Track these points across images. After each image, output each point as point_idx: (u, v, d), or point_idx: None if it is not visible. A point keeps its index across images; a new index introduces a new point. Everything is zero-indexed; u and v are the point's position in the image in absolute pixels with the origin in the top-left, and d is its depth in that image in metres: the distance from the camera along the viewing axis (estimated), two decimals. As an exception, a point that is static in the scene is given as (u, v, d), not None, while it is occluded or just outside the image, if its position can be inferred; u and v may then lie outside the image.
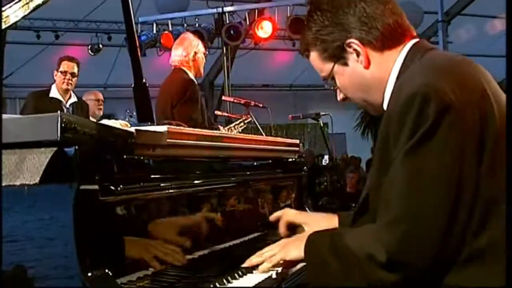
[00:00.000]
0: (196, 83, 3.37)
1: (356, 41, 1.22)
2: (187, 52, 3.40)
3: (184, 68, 3.40)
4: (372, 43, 1.22)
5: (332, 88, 1.33)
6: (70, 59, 3.94)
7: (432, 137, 1.05)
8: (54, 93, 3.88)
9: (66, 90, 3.88)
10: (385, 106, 1.24)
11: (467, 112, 1.07)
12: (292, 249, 1.33)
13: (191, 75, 3.38)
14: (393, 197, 1.09)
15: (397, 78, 1.21)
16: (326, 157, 4.49)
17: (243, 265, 1.42)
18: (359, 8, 1.22)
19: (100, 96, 4.66)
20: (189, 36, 3.64)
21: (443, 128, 1.05)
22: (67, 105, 3.86)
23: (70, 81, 3.87)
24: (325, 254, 1.21)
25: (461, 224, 1.06)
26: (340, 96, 1.34)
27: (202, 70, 3.48)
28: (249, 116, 2.89)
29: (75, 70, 3.91)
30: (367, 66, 1.23)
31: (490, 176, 1.08)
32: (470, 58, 1.25)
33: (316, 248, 1.27)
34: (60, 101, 3.84)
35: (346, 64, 1.25)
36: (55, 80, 3.91)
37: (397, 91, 1.15)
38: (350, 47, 1.23)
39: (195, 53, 3.41)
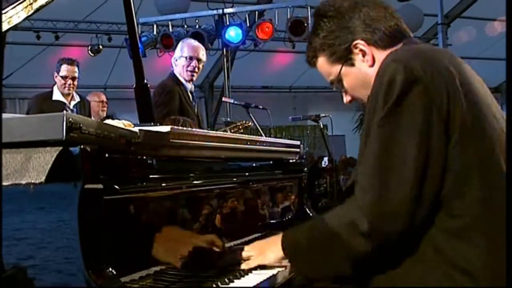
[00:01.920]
0: (171, 88, 3.26)
1: (362, 42, 1.29)
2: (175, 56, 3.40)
3: (175, 72, 3.38)
4: (376, 42, 1.29)
5: (340, 91, 1.38)
6: (70, 62, 3.89)
7: (399, 106, 1.12)
8: (57, 95, 3.87)
9: (68, 94, 3.88)
10: None
11: (435, 87, 1.13)
12: (268, 254, 1.38)
13: (181, 79, 3.33)
14: (367, 167, 1.15)
15: None
16: (326, 158, 4.50)
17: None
18: (363, 12, 1.29)
19: (104, 98, 4.66)
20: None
21: (411, 98, 1.11)
22: (71, 107, 3.87)
23: (71, 86, 3.86)
24: (303, 240, 1.26)
25: (429, 192, 1.11)
26: (347, 99, 1.39)
27: (185, 74, 3.34)
28: (248, 123, 2.87)
29: (76, 73, 3.89)
30: (371, 65, 1.29)
31: (456, 156, 1.12)
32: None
33: (294, 240, 1.30)
34: (64, 103, 3.84)
35: (352, 64, 1.31)
36: (56, 82, 3.90)
37: (377, 74, 1.22)
38: (356, 48, 1.29)
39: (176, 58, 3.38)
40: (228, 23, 6.09)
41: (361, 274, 1.20)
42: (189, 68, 3.29)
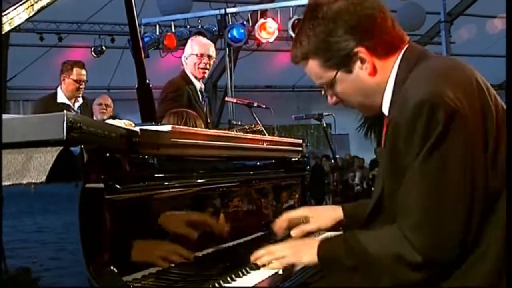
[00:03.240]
0: (180, 85, 3.27)
1: (363, 49, 1.23)
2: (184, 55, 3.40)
3: (185, 70, 3.38)
4: (377, 50, 1.24)
5: (323, 93, 1.35)
6: (82, 65, 3.90)
7: (444, 142, 1.11)
8: (61, 97, 3.86)
9: (75, 96, 3.90)
10: (384, 109, 1.29)
11: (471, 115, 1.13)
12: (304, 255, 1.35)
13: (191, 77, 3.34)
14: (413, 203, 1.15)
15: (395, 80, 1.26)
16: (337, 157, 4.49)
17: (252, 259, 1.42)
18: (362, 17, 1.23)
19: (106, 101, 4.65)
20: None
21: (453, 133, 1.11)
22: (75, 109, 3.88)
23: (82, 89, 3.89)
24: (342, 259, 1.25)
25: (476, 223, 1.13)
26: (332, 100, 1.35)
27: (196, 72, 3.35)
28: (258, 126, 2.84)
29: (85, 76, 3.91)
30: (372, 74, 1.25)
31: (492, 168, 1.14)
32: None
33: (331, 254, 1.29)
34: (69, 105, 3.85)
35: (350, 71, 1.26)
36: (61, 83, 3.90)
37: (402, 98, 1.19)
38: (356, 55, 1.24)
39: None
40: (230, 23, 6.09)
41: None
42: (200, 65, 3.30)
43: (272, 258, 1.39)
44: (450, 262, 1.14)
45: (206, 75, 3.41)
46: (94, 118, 4.26)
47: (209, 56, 3.34)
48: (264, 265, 1.42)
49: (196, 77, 3.35)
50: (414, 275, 1.15)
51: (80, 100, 3.97)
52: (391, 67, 1.26)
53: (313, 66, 1.29)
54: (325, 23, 1.24)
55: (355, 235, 1.28)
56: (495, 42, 9.32)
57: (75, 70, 3.83)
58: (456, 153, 1.11)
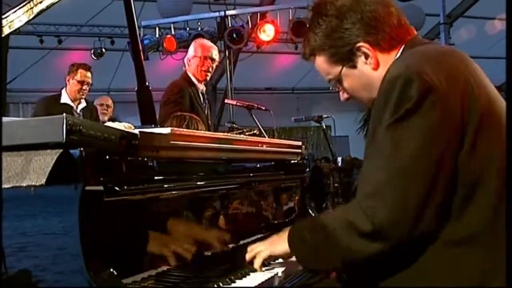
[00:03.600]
0: (182, 87, 3.27)
1: (366, 45, 1.26)
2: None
3: (187, 72, 3.39)
4: (380, 45, 1.26)
5: (337, 90, 1.37)
6: (87, 67, 3.94)
7: (413, 115, 1.10)
8: (65, 98, 3.89)
9: (79, 98, 3.91)
10: None
11: (449, 96, 1.12)
12: (278, 245, 1.39)
13: (193, 79, 3.35)
14: (373, 170, 1.15)
15: None
16: (339, 158, 4.48)
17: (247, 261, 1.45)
18: (366, 12, 1.25)
19: (106, 101, 4.67)
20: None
21: (425, 108, 1.10)
22: (78, 111, 3.90)
23: (85, 91, 3.92)
24: (304, 234, 1.28)
25: (436, 203, 1.10)
26: (343, 96, 1.38)
27: (199, 74, 3.37)
28: (255, 130, 2.84)
29: (90, 79, 3.94)
30: (375, 68, 1.27)
31: (470, 160, 1.12)
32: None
33: (297, 234, 1.32)
34: (71, 106, 3.87)
35: (354, 66, 1.29)
36: (66, 85, 3.91)
37: (383, 77, 1.20)
38: (359, 50, 1.26)
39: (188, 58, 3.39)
40: (230, 25, 6.10)
41: (353, 271, 1.23)
42: (203, 68, 3.32)
43: (252, 255, 1.43)
44: (402, 237, 1.11)
45: (208, 78, 3.42)
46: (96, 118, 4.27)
47: (212, 59, 3.36)
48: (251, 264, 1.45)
49: (198, 79, 3.36)
50: (366, 244, 1.13)
51: (84, 102, 3.99)
52: (393, 59, 1.27)
53: (320, 62, 1.33)
54: (329, 19, 1.27)
55: (319, 216, 1.30)
56: (495, 43, 9.34)
57: (80, 71, 3.88)
58: (423, 129, 1.09)
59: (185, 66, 3.44)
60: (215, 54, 3.40)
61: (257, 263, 1.43)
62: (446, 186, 1.10)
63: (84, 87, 3.87)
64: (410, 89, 1.10)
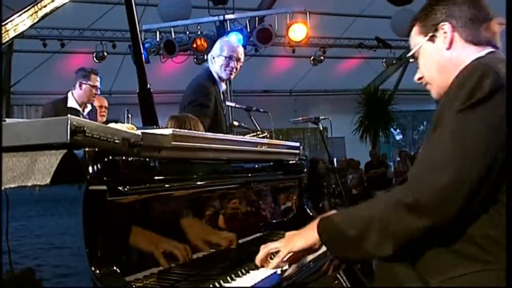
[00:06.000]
0: (209, 89, 3.20)
1: (449, 25, 1.36)
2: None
3: (211, 69, 3.31)
4: (460, 32, 1.36)
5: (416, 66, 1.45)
6: (97, 73, 3.98)
7: (484, 104, 1.17)
8: (72, 102, 3.90)
9: (87, 102, 3.95)
10: None
11: (505, 101, 1.18)
12: (296, 240, 1.38)
13: (216, 77, 3.27)
14: (437, 148, 1.19)
15: None
16: (335, 159, 4.49)
17: (256, 262, 1.44)
18: (467, 5, 1.37)
19: (104, 103, 4.68)
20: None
21: (495, 100, 1.17)
22: (85, 114, 3.93)
23: (96, 95, 3.96)
24: (345, 233, 1.26)
25: (487, 191, 1.15)
26: (416, 76, 1.45)
27: (223, 73, 3.27)
28: (265, 132, 2.84)
29: (99, 83, 4.00)
30: (448, 47, 1.36)
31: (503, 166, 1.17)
32: None
33: (333, 233, 1.31)
34: (78, 110, 3.89)
35: (433, 41, 1.39)
36: (74, 89, 3.91)
37: (459, 73, 1.27)
38: (442, 28, 1.37)
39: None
40: (229, 29, 6.13)
41: (401, 255, 1.22)
42: (228, 68, 3.24)
43: (266, 252, 1.42)
44: (449, 215, 1.14)
45: (232, 77, 3.33)
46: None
47: (238, 60, 3.29)
48: (263, 266, 1.44)
49: (221, 78, 3.28)
50: (414, 219, 1.15)
51: (89, 106, 4.03)
52: (468, 56, 1.33)
53: (414, 32, 1.44)
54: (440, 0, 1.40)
55: (344, 210, 1.34)
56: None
57: (92, 76, 3.91)
58: (490, 119, 1.16)
59: (207, 63, 3.35)
60: (241, 54, 3.32)
61: (274, 262, 1.41)
62: (496, 178, 1.16)
63: (95, 92, 3.93)
64: (486, 81, 1.18)
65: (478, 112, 1.17)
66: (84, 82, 3.88)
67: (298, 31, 6.14)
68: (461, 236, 1.19)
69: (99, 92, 3.98)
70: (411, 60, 1.45)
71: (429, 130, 1.31)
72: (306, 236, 1.36)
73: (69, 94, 3.93)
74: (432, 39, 1.39)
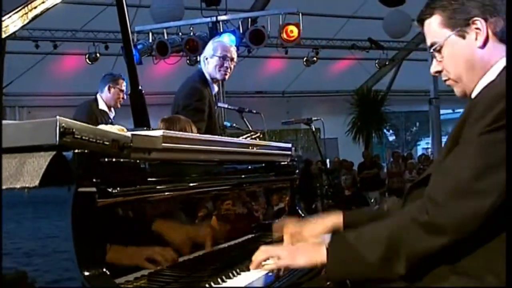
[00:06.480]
0: (203, 92, 3.17)
1: (483, 22, 1.28)
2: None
3: (203, 71, 3.29)
4: (494, 29, 1.29)
5: (433, 57, 1.37)
6: (124, 78, 4.01)
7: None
8: (102, 105, 3.98)
9: (115, 106, 4.01)
10: (474, 94, 1.32)
11: None
12: (300, 258, 1.34)
13: (209, 79, 3.25)
14: (459, 168, 1.18)
15: (500, 72, 1.28)
16: (328, 160, 4.52)
17: (251, 266, 1.41)
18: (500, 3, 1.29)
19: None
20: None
21: None
22: (111, 118, 3.97)
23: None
24: (364, 258, 1.23)
25: (498, 217, 1.15)
26: (435, 68, 1.38)
27: (217, 74, 3.25)
28: (258, 133, 2.84)
29: None
30: (481, 46, 1.29)
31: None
32: None
33: (339, 243, 1.29)
34: (107, 113, 3.96)
35: (463, 36, 1.31)
36: (102, 92, 3.96)
37: (492, 86, 1.24)
38: (475, 23, 1.29)
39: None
40: (222, 30, 6.14)
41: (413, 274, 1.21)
42: (222, 68, 3.22)
43: (266, 256, 1.38)
44: (462, 234, 1.15)
45: (227, 77, 3.31)
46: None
47: (232, 59, 3.27)
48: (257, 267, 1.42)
49: (213, 79, 3.26)
50: (431, 238, 1.16)
51: (113, 111, 4.06)
52: (499, 57, 1.29)
53: (434, 22, 1.34)
54: None
55: (354, 232, 1.29)
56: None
57: (120, 81, 3.99)
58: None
59: (200, 64, 3.33)
60: (234, 53, 3.31)
61: (269, 267, 1.38)
62: (501, 204, 1.15)
63: (123, 96, 4.01)
64: None
65: (501, 138, 1.15)
66: (113, 86, 3.95)
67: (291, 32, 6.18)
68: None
69: (125, 97, 4.00)
70: (431, 51, 1.35)
71: (448, 139, 1.27)
72: (311, 256, 1.31)
73: (98, 97, 4.00)
74: (461, 34, 1.30)
